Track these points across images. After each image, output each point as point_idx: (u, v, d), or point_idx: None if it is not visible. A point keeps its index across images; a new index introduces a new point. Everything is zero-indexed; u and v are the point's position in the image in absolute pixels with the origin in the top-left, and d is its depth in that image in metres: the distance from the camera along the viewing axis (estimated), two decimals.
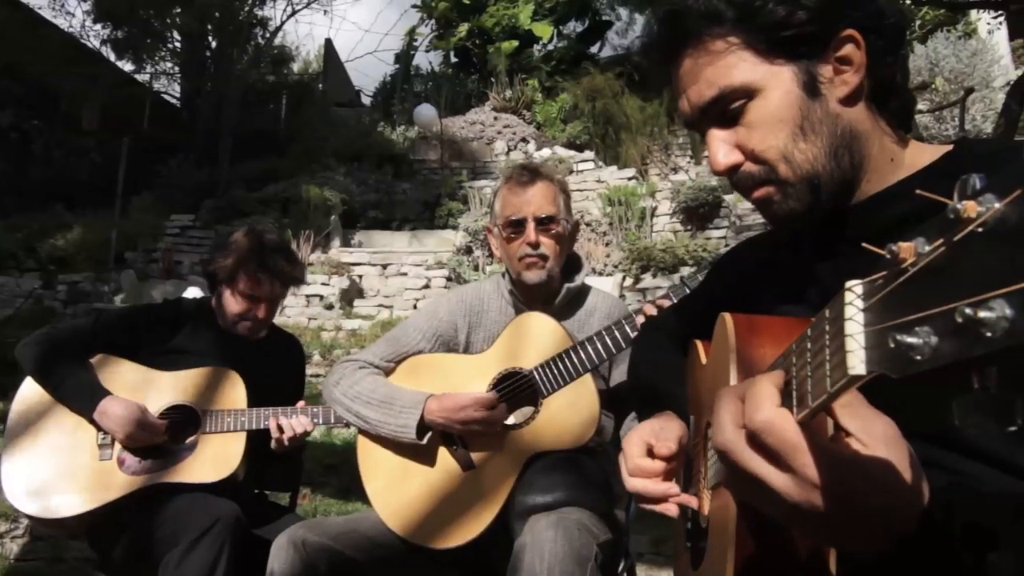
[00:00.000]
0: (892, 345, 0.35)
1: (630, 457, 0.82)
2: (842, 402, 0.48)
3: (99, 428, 1.77)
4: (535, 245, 1.57)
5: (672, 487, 0.78)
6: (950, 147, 0.73)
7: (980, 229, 0.32)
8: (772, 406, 0.49)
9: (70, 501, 1.69)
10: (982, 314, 0.30)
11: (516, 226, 1.59)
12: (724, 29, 0.72)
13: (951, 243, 0.33)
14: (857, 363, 0.39)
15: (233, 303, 1.92)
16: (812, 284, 0.76)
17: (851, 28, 0.70)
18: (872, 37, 0.70)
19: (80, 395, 1.76)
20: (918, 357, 0.34)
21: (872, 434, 0.49)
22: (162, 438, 1.76)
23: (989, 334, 0.30)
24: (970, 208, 0.32)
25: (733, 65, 0.72)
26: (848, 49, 0.70)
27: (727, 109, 0.73)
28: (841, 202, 0.74)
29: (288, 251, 2.04)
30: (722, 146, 0.74)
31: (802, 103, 0.71)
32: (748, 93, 0.72)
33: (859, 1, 0.71)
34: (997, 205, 0.31)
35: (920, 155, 0.74)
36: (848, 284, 0.42)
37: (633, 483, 0.80)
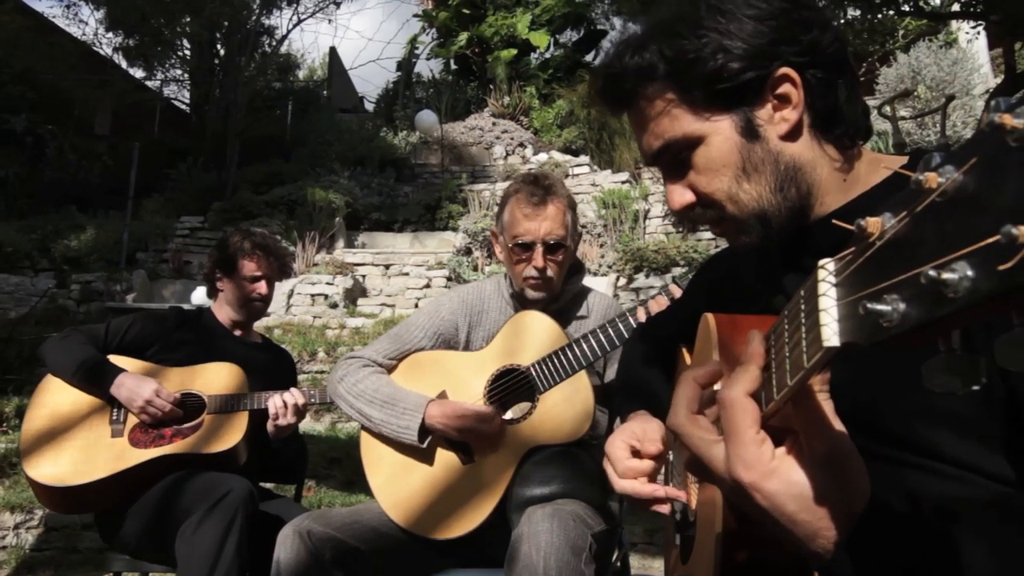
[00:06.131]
0: (862, 313, 0.35)
1: (618, 460, 0.82)
2: (808, 409, 0.49)
3: (114, 406, 1.86)
4: (542, 270, 1.58)
5: (659, 489, 0.79)
6: (906, 159, 0.74)
7: (940, 199, 0.32)
8: (741, 391, 0.51)
9: (84, 471, 1.76)
10: (945, 276, 0.30)
11: (525, 249, 1.59)
12: (660, 85, 0.73)
13: (914, 213, 0.34)
14: (831, 335, 0.39)
15: (238, 288, 2.09)
16: (780, 293, 0.78)
17: (786, 67, 0.70)
18: (809, 72, 0.70)
19: (98, 374, 1.85)
20: (886, 324, 0.34)
21: (814, 449, 0.49)
22: (174, 410, 1.85)
23: (952, 295, 0.30)
24: (931, 179, 0.33)
25: (673, 121, 0.73)
26: (785, 88, 0.70)
27: (676, 156, 0.75)
28: (795, 227, 0.74)
29: (274, 239, 2.23)
30: (676, 189, 0.76)
31: (742, 147, 0.71)
32: (691, 143, 0.73)
33: (791, 37, 0.70)
34: (956, 174, 0.31)
35: (878, 169, 0.75)
36: (821, 262, 0.42)
37: (623, 484, 0.80)
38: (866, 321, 0.35)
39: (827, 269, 0.41)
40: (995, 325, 0.35)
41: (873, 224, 0.37)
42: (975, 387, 0.34)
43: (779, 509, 0.49)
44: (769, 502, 0.49)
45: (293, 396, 1.89)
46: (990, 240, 0.29)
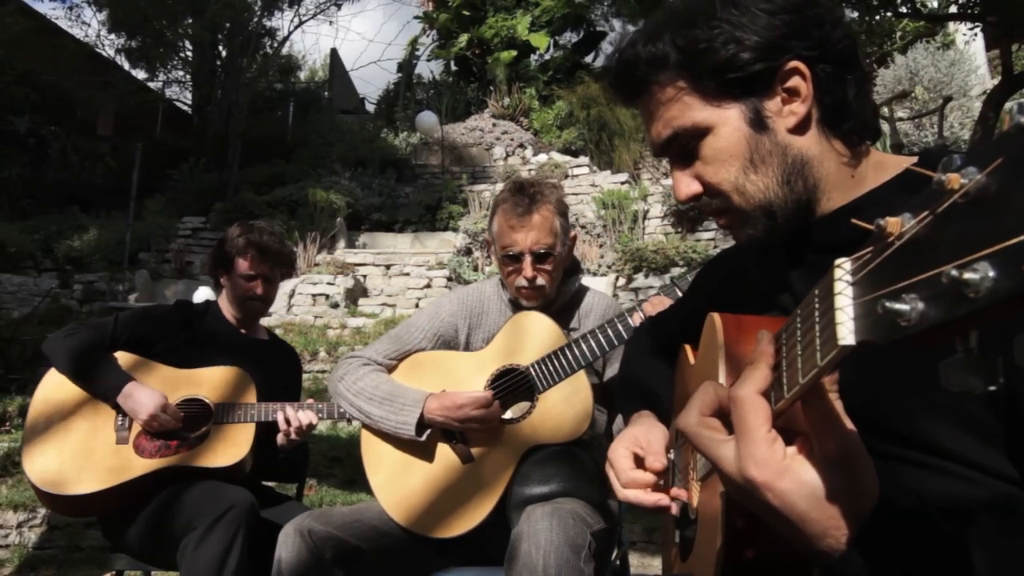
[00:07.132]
0: (880, 312, 0.35)
1: (622, 470, 0.82)
2: (819, 409, 0.49)
3: (119, 412, 1.81)
4: (532, 279, 1.58)
5: (663, 498, 0.79)
6: (914, 159, 0.74)
7: (962, 200, 0.32)
8: (752, 389, 0.51)
9: (86, 479, 1.71)
10: (967, 276, 0.30)
11: (514, 260, 1.59)
12: (671, 74, 0.73)
13: (935, 214, 0.34)
14: (847, 333, 0.39)
15: (235, 287, 2.04)
16: (785, 290, 0.78)
17: (796, 60, 0.70)
18: (819, 66, 0.70)
19: (104, 380, 1.80)
20: (904, 323, 0.34)
21: (825, 447, 0.49)
22: (178, 424, 1.81)
23: (973, 295, 0.30)
24: (953, 180, 0.33)
25: (683, 109, 0.74)
26: (794, 81, 0.71)
27: (684, 146, 0.75)
28: (801, 221, 0.74)
29: (277, 235, 2.11)
30: (683, 179, 0.76)
31: (750, 138, 0.72)
32: (699, 133, 0.73)
33: (803, 32, 0.70)
34: (979, 176, 0.31)
35: (884, 168, 0.75)
36: (837, 261, 0.41)
37: (626, 494, 0.81)
38: (883, 320, 0.35)
39: (844, 268, 0.41)
40: (1009, 326, 0.34)
41: (893, 224, 0.36)
42: (993, 387, 0.33)
43: (790, 508, 0.49)
44: (780, 501, 0.50)
45: (307, 417, 1.86)
46: (1013, 241, 0.29)
